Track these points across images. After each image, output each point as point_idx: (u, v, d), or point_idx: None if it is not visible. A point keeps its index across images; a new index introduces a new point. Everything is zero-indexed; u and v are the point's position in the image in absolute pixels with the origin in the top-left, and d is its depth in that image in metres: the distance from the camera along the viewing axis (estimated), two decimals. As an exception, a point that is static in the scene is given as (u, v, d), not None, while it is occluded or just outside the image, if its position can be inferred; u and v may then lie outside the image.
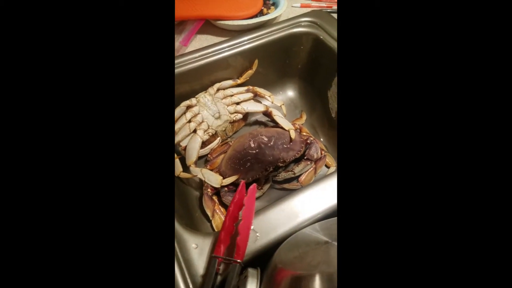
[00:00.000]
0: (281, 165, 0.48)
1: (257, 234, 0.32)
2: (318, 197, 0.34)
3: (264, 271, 0.28)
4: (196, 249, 0.31)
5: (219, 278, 0.29)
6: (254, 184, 0.32)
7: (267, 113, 0.56)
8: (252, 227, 0.32)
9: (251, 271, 0.28)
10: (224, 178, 0.47)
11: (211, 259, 0.28)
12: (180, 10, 0.51)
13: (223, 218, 0.45)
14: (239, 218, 0.30)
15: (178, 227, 0.32)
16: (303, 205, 0.34)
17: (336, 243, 0.26)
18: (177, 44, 0.51)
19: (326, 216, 0.33)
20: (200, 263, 0.30)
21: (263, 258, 0.31)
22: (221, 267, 0.29)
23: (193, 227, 0.46)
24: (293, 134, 0.50)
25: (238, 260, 0.27)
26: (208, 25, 0.55)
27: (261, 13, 0.56)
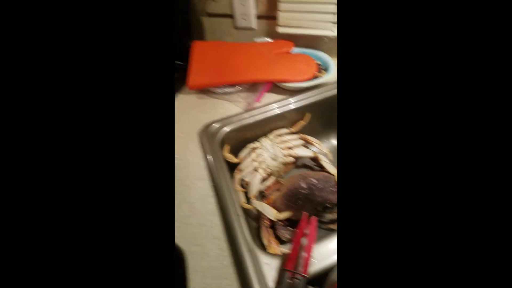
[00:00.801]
0: (329, 206, 0.57)
1: (314, 260, 0.40)
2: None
3: (322, 289, 0.36)
4: (268, 265, 0.40)
5: (285, 290, 0.37)
6: (315, 217, 0.42)
7: (314, 158, 0.66)
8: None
9: (312, 288, 0.36)
10: (279, 213, 0.56)
11: (282, 272, 0.37)
12: (259, 75, 0.66)
13: (276, 247, 0.53)
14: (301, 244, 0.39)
15: (255, 248, 0.42)
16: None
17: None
18: (251, 100, 0.66)
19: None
20: (270, 276, 0.39)
21: (319, 280, 0.39)
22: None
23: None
24: (339, 179, 0.59)
25: (305, 275, 0.35)
26: (275, 86, 0.70)
27: (315, 77, 0.69)
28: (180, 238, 0.46)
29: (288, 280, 0.36)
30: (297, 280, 0.36)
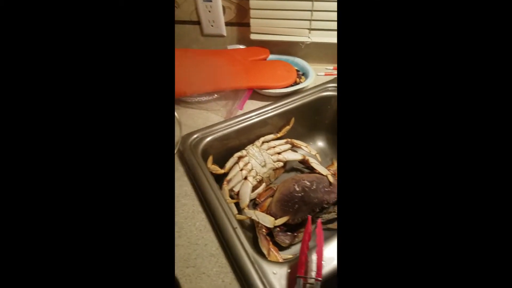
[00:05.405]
0: (326, 206, 0.55)
1: (323, 262, 0.38)
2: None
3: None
4: (275, 275, 0.36)
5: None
6: (320, 219, 0.39)
7: (303, 161, 0.65)
8: (318, 256, 0.38)
9: (327, 292, 0.33)
10: (275, 219, 0.54)
11: (296, 279, 0.34)
12: (237, 82, 0.65)
13: (277, 255, 0.50)
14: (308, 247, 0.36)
15: (258, 258, 0.39)
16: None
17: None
18: (233, 108, 0.64)
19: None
20: (280, 285, 0.35)
21: (329, 282, 0.36)
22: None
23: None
24: (331, 178, 0.58)
25: (320, 278, 0.33)
26: (255, 93, 0.69)
27: (295, 83, 0.69)
28: (173, 260, 0.40)
29: (302, 287, 0.33)
30: (310, 285, 0.33)
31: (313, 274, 0.34)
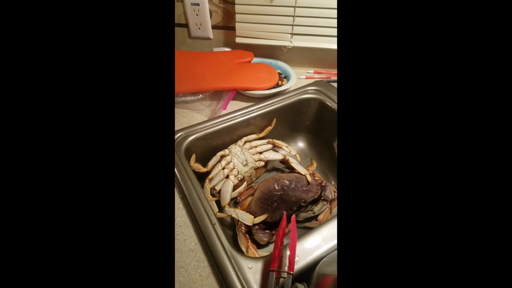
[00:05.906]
0: (303, 204, 0.57)
1: (297, 257, 0.40)
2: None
3: (309, 284, 0.35)
4: (251, 269, 0.38)
5: (272, 291, 0.36)
6: (294, 215, 0.41)
7: (284, 161, 0.67)
8: (292, 251, 0.40)
9: (299, 285, 0.35)
10: (255, 217, 0.55)
11: (269, 273, 0.35)
12: (222, 83, 0.66)
13: (255, 252, 0.52)
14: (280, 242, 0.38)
15: (235, 253, 0.40)
16: (334, 232, 0.42)
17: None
18: (217, 108, 0.65)
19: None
20: (254, 279, 0.37)
21: (304, 276, 0.38)
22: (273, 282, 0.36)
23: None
24: (309, 178, 0.61)
25: (291, 272, 0.34)
26: (239, 94, 0.70)
27: (277, 85, 0.72)
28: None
29: (275, 280, 0.35)
30: (283, 279, 0.35)
31: (286, 268, 0.36)
